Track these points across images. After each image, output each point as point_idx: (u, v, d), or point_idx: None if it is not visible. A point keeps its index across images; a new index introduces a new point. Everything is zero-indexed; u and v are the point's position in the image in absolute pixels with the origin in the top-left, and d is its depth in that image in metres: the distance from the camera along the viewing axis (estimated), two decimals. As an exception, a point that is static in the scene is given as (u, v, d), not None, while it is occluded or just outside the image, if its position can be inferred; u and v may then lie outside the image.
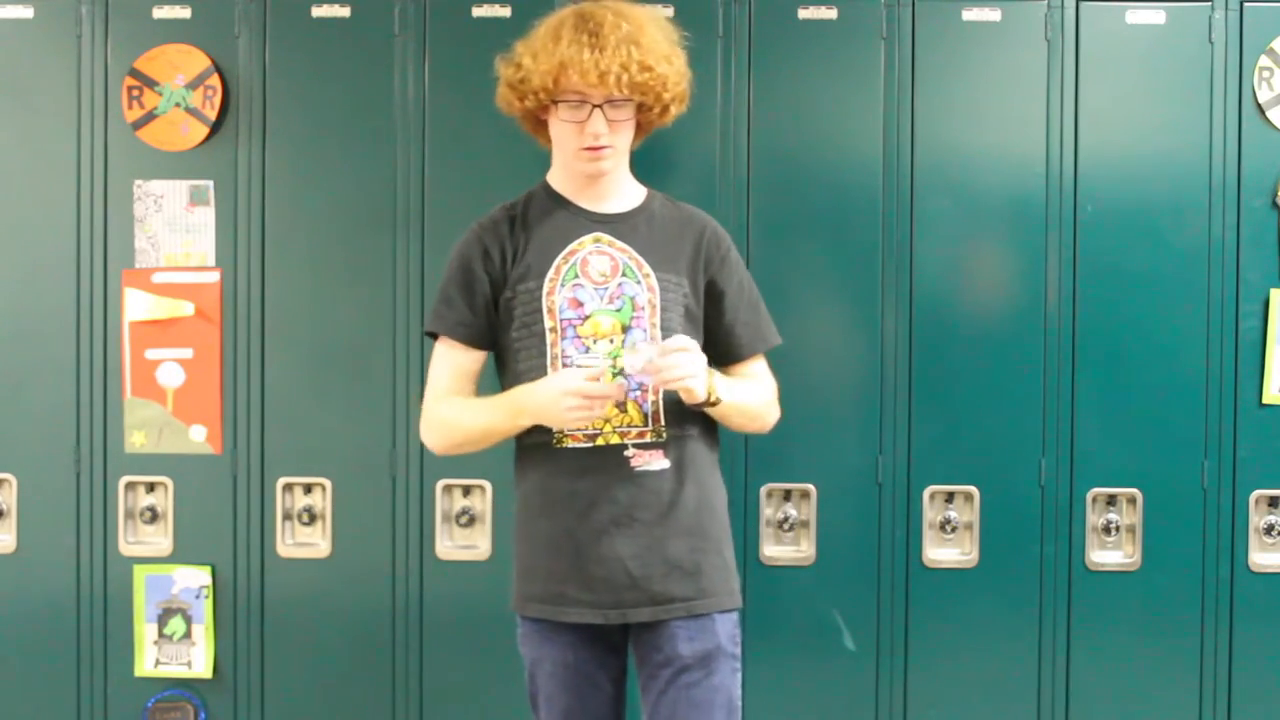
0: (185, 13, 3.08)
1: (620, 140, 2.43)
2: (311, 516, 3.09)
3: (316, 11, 3.06)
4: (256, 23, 3.06)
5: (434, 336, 2.51)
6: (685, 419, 2.41)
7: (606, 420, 2.37)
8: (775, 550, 3.05)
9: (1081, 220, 3.01)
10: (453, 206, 3.03)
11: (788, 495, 3.05)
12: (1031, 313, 3.01)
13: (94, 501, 3.10)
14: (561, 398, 2.29)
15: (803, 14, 3.02)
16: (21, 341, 3.10)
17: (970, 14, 3.02)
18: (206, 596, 3.09)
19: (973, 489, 3.02)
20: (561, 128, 2.41)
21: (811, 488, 3.03)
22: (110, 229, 3.09)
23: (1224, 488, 3.00)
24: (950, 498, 3.04)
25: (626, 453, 2.37)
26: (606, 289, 2.41)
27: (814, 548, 3.03)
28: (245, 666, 3.10)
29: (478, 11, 3.04)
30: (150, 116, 3.07)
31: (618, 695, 2.49)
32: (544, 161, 3.03)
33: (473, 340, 2.46)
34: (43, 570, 3.11)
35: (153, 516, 3.09)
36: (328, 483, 3.08)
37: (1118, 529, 3.02)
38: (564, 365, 2.39)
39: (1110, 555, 3.03)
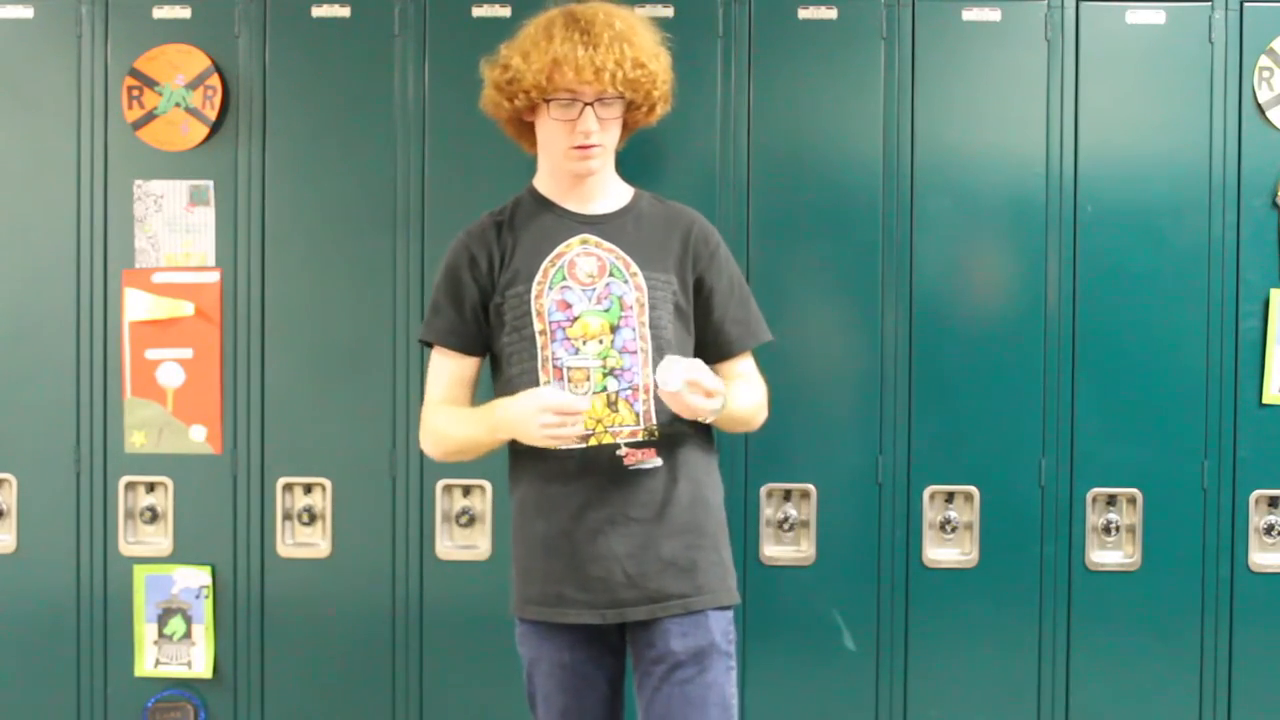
0: (185, 13, 3.08)
1: (609, 139, 2.45)
2: (311, 516, 3.08)
3: (316, 11, 3.06)
4: (256, 23, 3.06)
5: (429, 345, 2.54)
6: (678, 417, 2.41)
7: (598, 420, 2.38)
8: (775, 550, 3.04)
9: (1081, 220, 3.01)
10: (453, 206, 3.03)
11: (788, 495, 3.05)
12: (1031, 313, 3.01)
13: (94, 501, 3.10)
14: (536, 414, 2.30)
15: (803, 14, 3.02)
16: (21, 341, 3.10)
17: (970, 14, 3.02)
18: (206, 596, 3.09)
19: (973, 489, 3.02)
20: (551, 127, 2.42)
21: (811, 488, 3.03)
22: (110, 229, 3.09)
23: (1224, 488, 3.00)
24: (950, 498, 3.04)
25: (619, 452, 2.38)
26: (594, 290, 2.42)
27: (814, 548, 3.03)
28: (245, 666, 3.10)
29: (478, 11, 3.04)
30: (150, 116, 3.07)
31: (614, 695, 2.50)
32: (544, 161, 3.04)
33: (464, 347, 2.49)
34: (43, 570, 3.11)
35: (153, 516, 3.09)
36: (328, 483, 3.08)
37: (1118, 529, 3.02)
38: (555, 368, 2.40)
39: (1110, 555, 3.03)
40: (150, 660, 3.11)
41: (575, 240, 2.45)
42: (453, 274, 2.49)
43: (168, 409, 3.09)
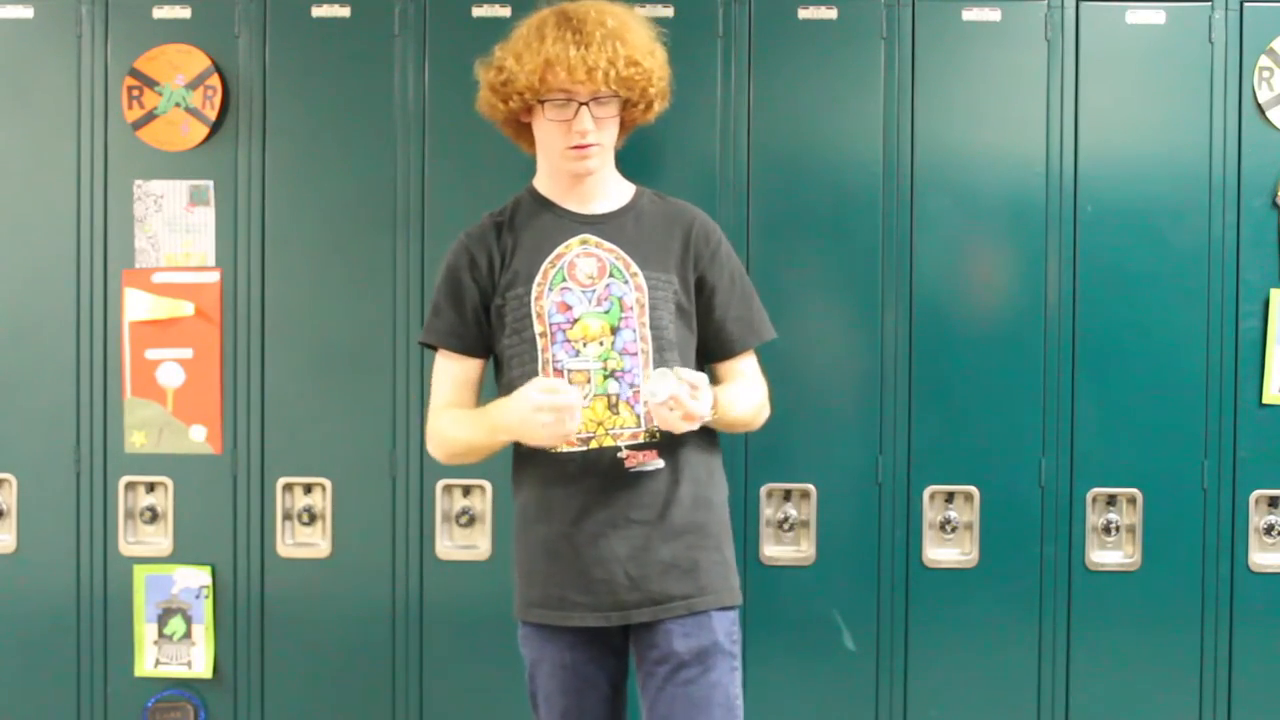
0: (185, 13, 3.08)
1: (606, 138, 2.43)
2: (311, 516, 3.08)
3: (316, 11, 3.06)
4: (256, 23, 3.06)
5: (431, 347, 2.54)
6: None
7: (599, 423, 2.38)
8: (775, 550, 3.04)
9: (1081, 220, 3.01)
10: (453, 206, 3.03)
11: (788, 495, 3.04)
12: (1031, 313, 3.01)
13: (94, 501, 3.10)
14: (533, 414, 2.28)
15: (803, 14, 3.02)
16: (21, 341, 3.10)
17: (970, 14, 3.02)
18: (206, 596, 3.09)
19: (973, 489, 3.02)
20: (547, 128, 2.40)
21: (811, 488, 3.03)
22: (110, 229, 3.09)
23: (1224, 488, 3.00)
24: (950, 498, 3.04)
25: (620, 454, 2.37)
26: (594, 291, 2.41)
27: (814, 548, 3.03)
28: (245, 666, 3.10)
29: (478, 11, 3.04)
30: (150, 116, 3.07)
31: (616, 696, 2.49)
32: (544, 161, 3.04)
33: (467, 349, 2.49)
34: (43, 570, 3.11)
35: (153, 516, 3.09)
36: (328, 483, 3.08)
37: (1118, 529, 3.02)
38: (555, 370, 2.39)
39: (1110, 555, 3.03)
40: (150, 660, 3.11)
41: (575, 241, 2.44)
42: (453, 276, 2.48)
43: (168, 409, 3.09)
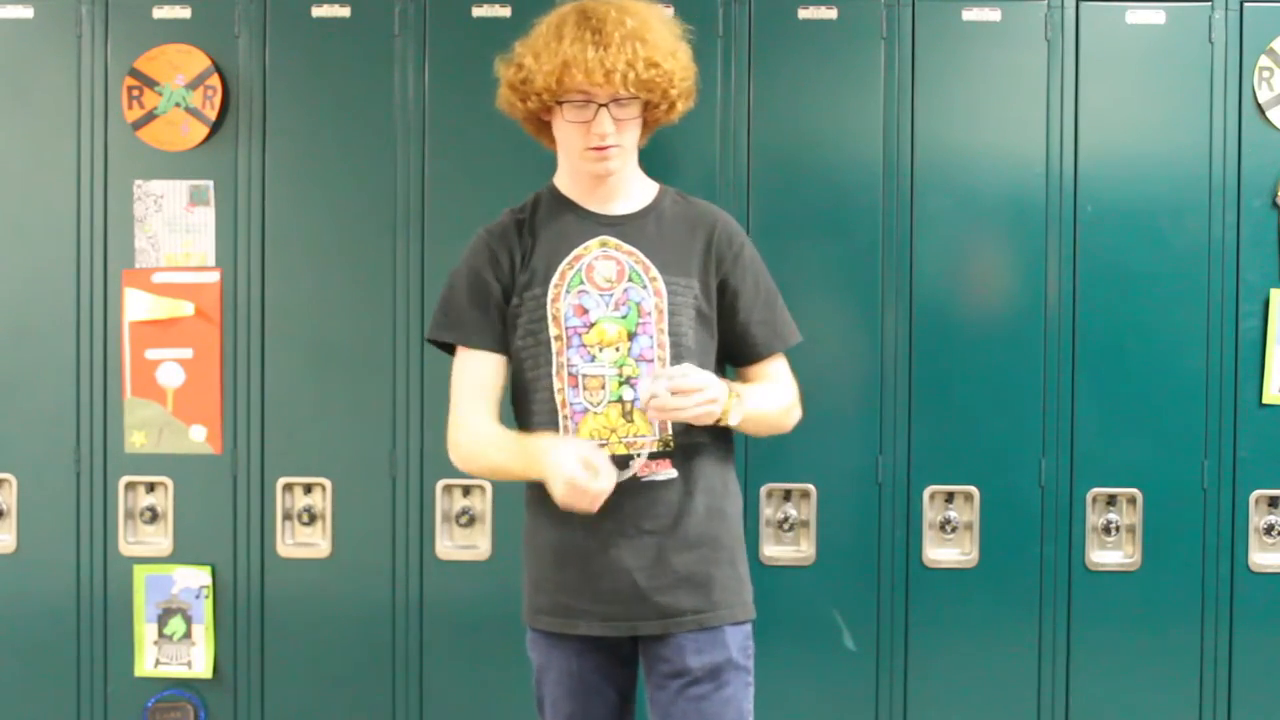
0: (185, 13, 3.08)
1: (627, 139, 2.37)
2: (311, 516, 3.08)
3: (316, 11, 3.06)
4: (256, 23, 3.06)
5: (447, 349, 2.46)
6: (695, 428, 2.34)
7: (613, 430, 2.33)
8: (775, 550, 3.04)
9: (1081, 220, 3.01)
10: (453, 206, 3.04)
11: (788, 495, 3.05)
12: (1031, 313, 3.01)
13: (94, 501, 3.10)
14: (565, 485, 2.22)
15: (803, 14, 3.02)
16: (21, 341, 3.10)
17: (970, 14, 3.02)
18: (206, 596, 3.09)
19: (973, 489, 3.02)
20: (566, 128, 2.35)
21: (811, 488, 3.03)
22: (110, 229, 3.09)
23: (1224, 488, 3.00)
24: (950, 498, 3.04)
25: (632, 463, 2.32)
26: (612, 295, 2.35)
27: (814, 548, 3.03)
28: (245, 666, 3.10)
29: (478, 11, 3.04)
30: (150, 116, 3.07)
31: (624, 706, 2.45)
32: (544, 161, 3.03)
33: (492, 347, 2.41)
34: (43, 570, 3.11)
35: (153, 516, 3.09)
36: (328, 483, 3.08)
37: (1118, 529, 3.02)
38: (570, 374, 2.35)
39: (1110, 555, 3.03)
40: (150, 660, 3.11)
41: (594, 242, 2.38)
42: (475, 274, 2.40)
43: (168, 409, 3.09)
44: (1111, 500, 3.03)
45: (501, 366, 2.42)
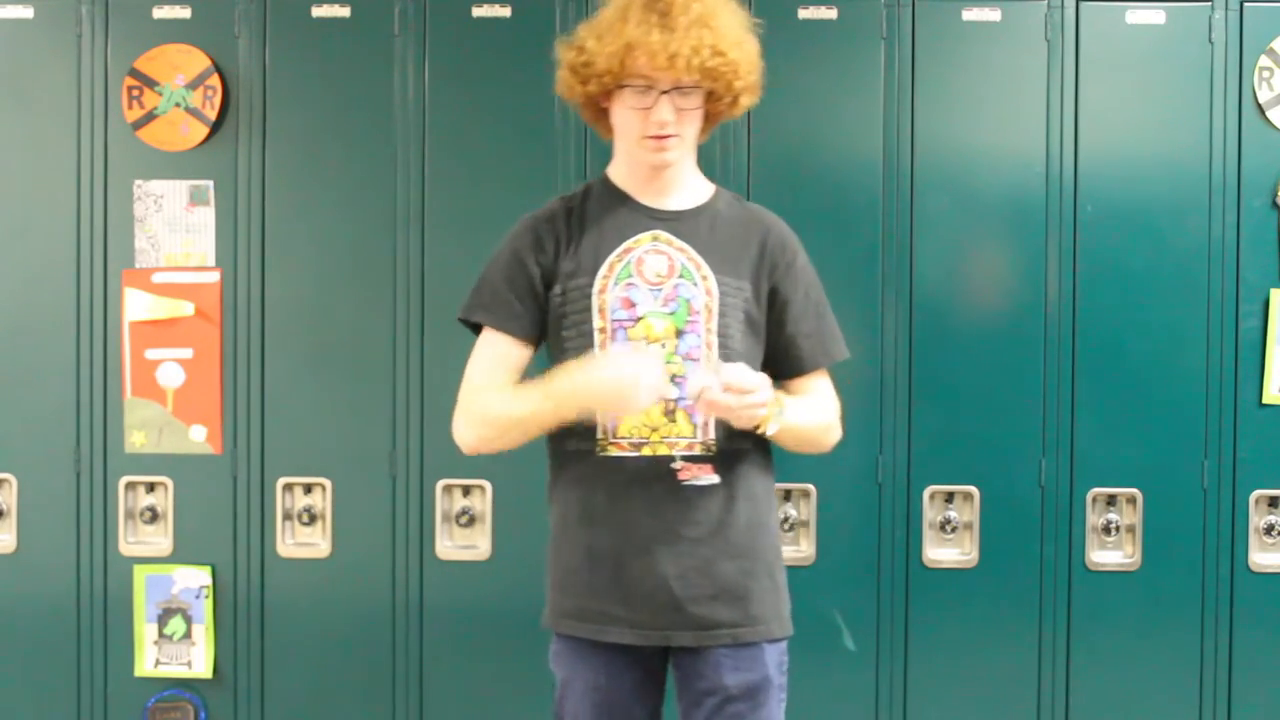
0: (185, 13, 3.08)
1: (687, 130, 2.27)
2: (311, 516, 3.08)
3: (316, 11, 3.06)
4: (256, 23, 3.06)
5: (474, 328, 2.35)
6: (739, 433, 2.23)
7: (654, 429, 2.21)
8: (775, 550, 3.04)
9: (1081, 220, 3.01)
10: (453, 206, 3.04)
11: (788, 495, 3.04)
12: (1031, 312, 3.01)
13: (94, 501, 3.10)
14: (603, 370, 2.12)
15: (803, 14, 3.02)
16: (21, 341, 3.10)
17: (970, 14, 3.02)
18: (206, 596, 3.09)
19: (973, 489, 3.02)
20: (625, 115, 2.24)
21: (811, 488, 3.03)
22: (110, 229, 3.09)
23: (1224, 488, 3.00)
24: (950, 498, 3.04)
25: (674, 465, 2.20)
26: (661, 290, 2.25)
27: (814, 548, 3.03)
28: (245, 666, 3.10)
29: (478, 11, 3.04)
30: (150, 116, 3.07)
31: None
32: (545, 162, 3.04)
33: (523, 334, 2.29)
34: (43, 570, 3.11)
35: (153, 516, 3.09)
36: (328, 483, 3.08)
37: (1118, 529, 3.02)
38: None
39: (1110, 555, 3.03)
40: (150, 660, 3.11)
41: (646, 236, 2.28)
42: (515, 257, 2.29)
43: (168, 409, 3.09)
44: (1111, 500, 3.03)
45: (525, 356, 2.32)
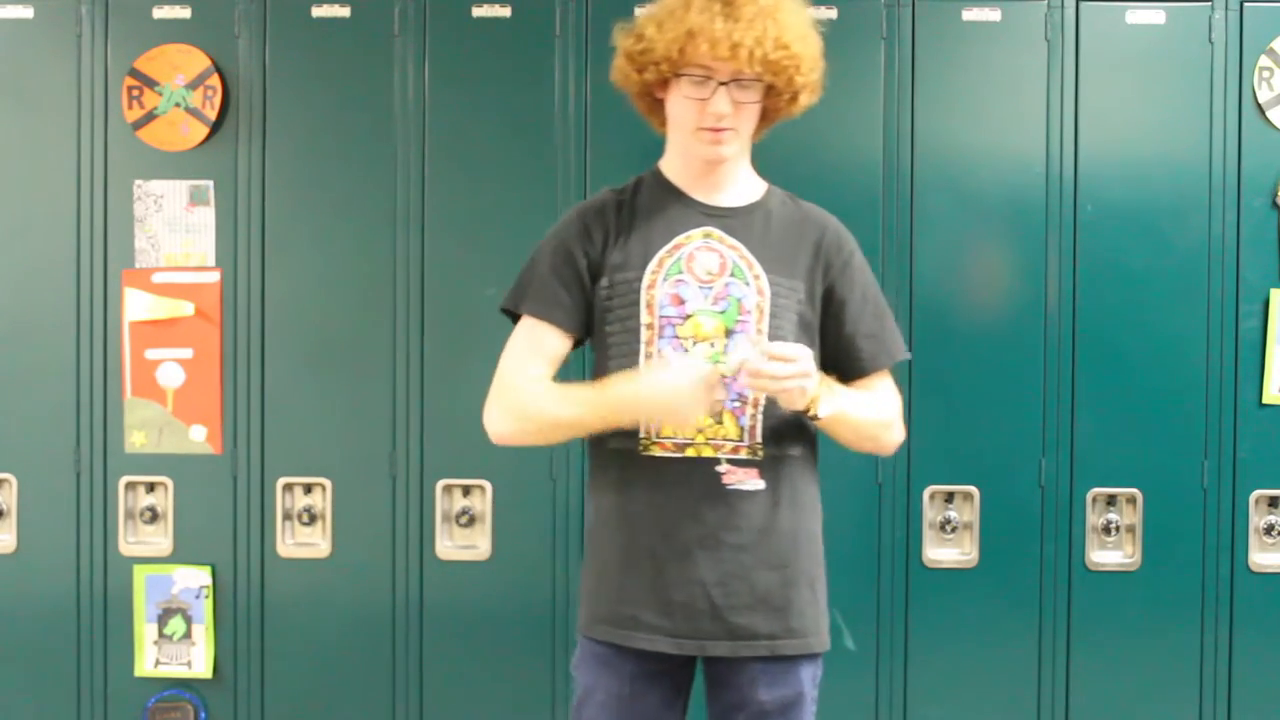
0: (185, 13, 3.08)
1: (744, 124, 2.21)
2: (311, 516, 3.08)
3: (316, 11, 3.06)
4: (256, 23, 3.06)
5: (514, 319, 2.27)
6: (786, 437, 2.19)
7: (699, 430, 2.15)
8: (775, 550, 3.04)
9: (1081, 220, 3.01)
10: (453, 206, 3.04)
11: (788, 495, 3.04)
12: (1031, 312, 3.01)
13: (94, 501, 3.10)
14: (664, 378, 2.07)
15: (803, 14, 3.01)
16: (21, 341, 3.10)
17: (970, 14, 3.02)
18: (206, 596, 3.09)
19: (973, 489, 3.02)
20: (681, 104, 2.18)
21: (811, 488, 3.03)
22: (110, 229, 3.09)
23: (1224, 488, 3.00)
24: (950, 498, 3.04)
25: (719, 468, 2.15)
26: (712, 288, 2.18)
27: (814, 548, 3.03)
28: (245, 666, 3.10)
29: (478, 11, 3.04)
30: (150, 116, 3.07)
31: None
32: (545, 163, 3.04)
33: (568, 326, 2.22)
34: (43, 570, 3.11)
35: (153, 516, 3.09)
36: (328, 483, 3.08)
37: (1118, 529, 3.02)
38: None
39: (1110, 555, 3.03)
40: (150, 660, 3.11)
41: (698, 232, 2.22)
42: (563, 247, 2.22)
43: (168, 409, 3.09)
44: (1111, 500, 3.03)
45: (565, 349, 2.24)
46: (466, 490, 3.07)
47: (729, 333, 2.17)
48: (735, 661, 2.17)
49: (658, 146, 2.85)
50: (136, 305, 3.08)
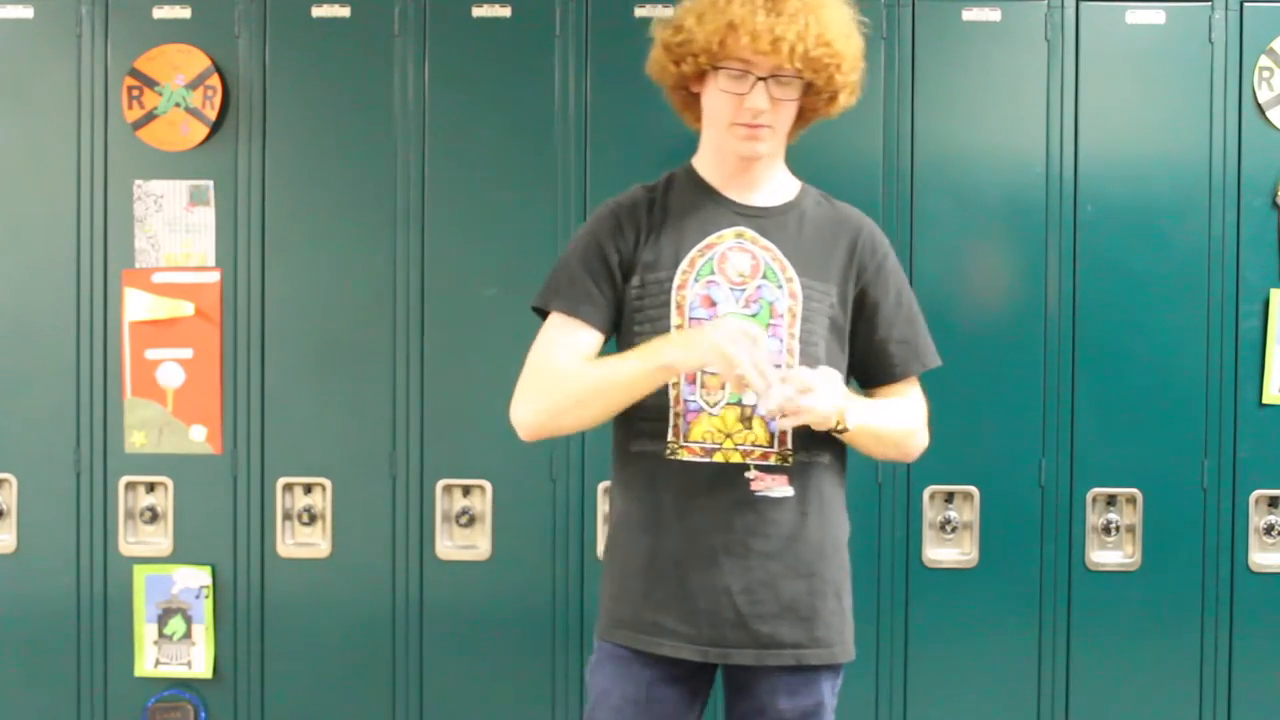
0: (185, 13, 3.08)
1: (781, 122, 2.16)
2: (311, 516, 3.08)
3: (316, 11, 3.06)
4: (256, 23, 3.06)
5: (543, 315, 2.22)
6: (815, 444, 2.14)
7: (728, 435, 2.12)
8: (775, 550, 3.04)
9: (1081, 220, 3.01)
10: (453, 206, 3.04)
11: (788, 495, 3.04)
12: (1031, 313, 3.01)
13: (94, 501, 3.10)
14: (713, 331, 2.02)
15: (803, 14, 3.01)
16: (21, 341, 3.10)
17: (970, 14, 3.02)
18: (206, 596, 3.09)
19: (973, 489, 3.02)
20: (718, 99, 2.14)
21: (811, 488, 3.03)
22: (110, 229, 3.09)
23: (1224, 488, 3.00)
24: (950, 498, 3.04)
25: (747, 474, 2.11)
26: (743, 291, 2.15)
27: (814, 548, 3.03)
28: (245, 666, 3.10)
29: (478, 11, 3.04)
30: (150, 116, 3.07)
31: None
32: (544, 162, 3.04)
33: (599, 322, 2.17)
34: (43, 570, 3.11)
35: (153, 516, 3.09)
36: (328, 483, 3.08)
37: (1118, 529, 3.02)
38: (686, 370, 2.12)
39: (1110, 555, 3.03)
40: (150, 660, 3.11)
41: (730, 232, 2.18)
42: (595, 244, 2.18)
43: (168, 409, 3.09)
44: (1111, 500, 3.03)
45: (595, 345, 2.18)
46: (466, 490, 3.07)
47: None
48: (758, 670, 2.14)
49: (658, 146, 2.86)
50: (136, 305, 3.08)
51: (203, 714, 3.10)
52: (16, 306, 3.10)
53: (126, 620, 3.10)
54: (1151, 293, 3.00)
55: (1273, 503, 3.02)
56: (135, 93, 3.07)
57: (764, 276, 2.16)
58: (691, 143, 3.00)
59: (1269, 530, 3.01)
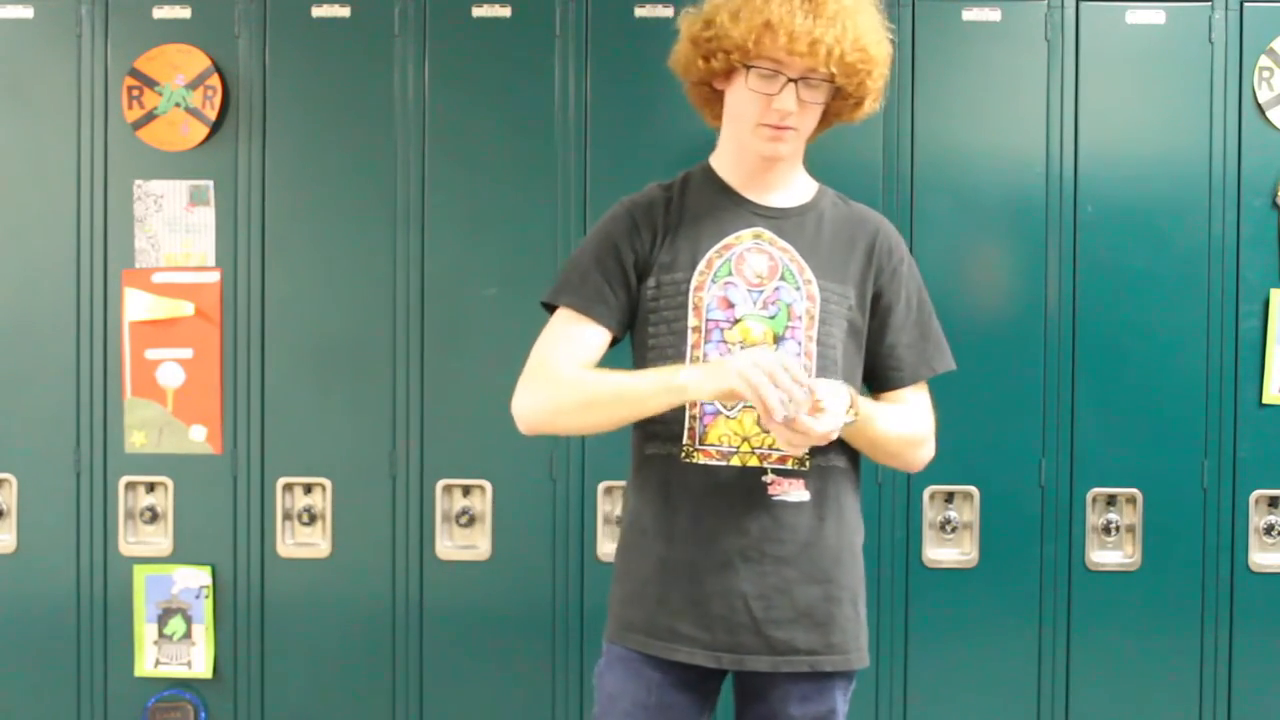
0: (185, 13, 3.08)
1: (805, 124, 2.16)
2: (311, 516, 3.08)
3: (316, 11, 3.06)
4: (256, 23, 3.06)
5: (552, 310, 2.20)
6: (832, 448, 2.12)
7: (744, 438, 2.10)
8: (775, 550, 3.04)
9: (1081, 220, 3.01)
10: (453, 206, 3.04)
11: (788, 495, 3.04)
12: (1031, 313, 3.01)
13: (94, 501, 3.10)
14: (741, 361, 1.98)
15: (803, 14, 3.01)
16: (21, 341, 3.10)
17: (970, 14, 3.02)
18: (206, 596, 3.09)
19: (973, 489, 3.02)
20: (745, 98, 2.12)
21: (811, 488, 3.03)
22: (110, 229, 3.09)
23: (1224, 488, 3.00)
24: (950, 498, 3.04)
25: (764, 478, 2.10)
26: (761, 292, 2.13)
27: (814, 548, 3.03)
28: (245, 666, 3.10)
29: (478, 11, 3.04)
30: (150, 116, 3.07)
31: None
32: (544, 162, 3.04)
33: (609, 322, 2.15)
34: (43, 570, 3.11)
35: (153, 516, 3.09)
36: (328, 483, 3.08)
37: (1118, 529, 3.02)
38: None
39: (1110, 555, 3.03)
40: (150, 660, 3.11)
41: (748, 233, 2.16)
42: (610, 243, 2.16)
43: (168, 409, 3.09)
44: (1111, 500, 3.03)
45: (603, 346, 2.17)
46: (466, 490, 3.07)
47: (777, 339, 2.12)
48: (771, 675, 2.12)
49: (658, 146, 2.86)
50: (136, 305, 3.08)
51: (203, 714, 3.10)
52: (16, 306, 3.10)
53: (126, 620, 3.10)
54: (1151, 293, 3.00)
55: (1273, 503, 3.02)
56: (135, 93, 3.07)
57: (782, 278, 2.15)
58: (692, 143, 3.00)
59: (1269, 530, 3.01)
